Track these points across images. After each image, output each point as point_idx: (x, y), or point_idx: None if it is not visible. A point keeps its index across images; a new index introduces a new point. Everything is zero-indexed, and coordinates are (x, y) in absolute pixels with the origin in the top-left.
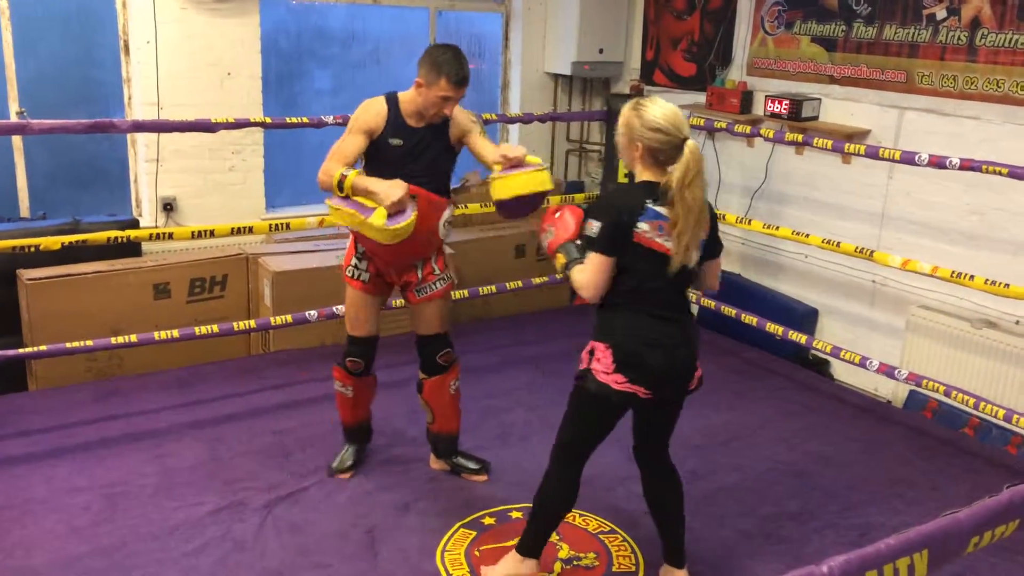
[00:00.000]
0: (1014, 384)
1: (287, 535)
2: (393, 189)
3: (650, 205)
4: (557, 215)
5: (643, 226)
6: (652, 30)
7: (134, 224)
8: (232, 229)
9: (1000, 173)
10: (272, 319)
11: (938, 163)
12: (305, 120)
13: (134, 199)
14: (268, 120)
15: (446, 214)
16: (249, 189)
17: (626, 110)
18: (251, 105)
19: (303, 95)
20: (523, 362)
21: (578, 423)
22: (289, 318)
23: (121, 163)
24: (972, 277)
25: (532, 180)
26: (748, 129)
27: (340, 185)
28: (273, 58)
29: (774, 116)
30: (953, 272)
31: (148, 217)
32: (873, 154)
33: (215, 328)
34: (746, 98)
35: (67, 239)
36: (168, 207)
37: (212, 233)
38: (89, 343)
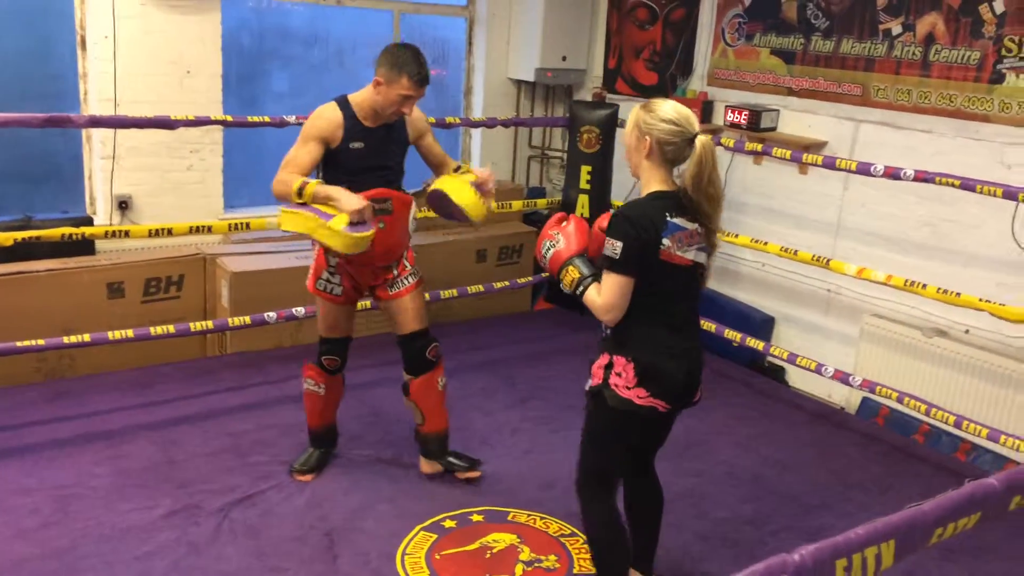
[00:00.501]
0: (963, 392)
1: (244, 538)
2: (355, 198)
3: (670, 218)
4: (564, 224)
5: (666, 242)
6: (615, 39)
7: (88, 222)
8: (191, 228)
9: (953, 185)
10: (231, 320)
11: (893, 174)
12: (267, 119)
13: (88, 197)
14: (229, 118)
15: (413, 210)
16: (207, 189)
17: (635, 110)
18: (211, 104)
19: (264, 95)
20: (482, 366)
21: (603, 444)
22: (248, 319)
23: (75, 160)
24: (925, 286)
25: (476, 206)
26: (709, 138)
27: (300, 192)
28: (234, 57)
29: (734, 126)
30: (907, 281)
31: (102, 215)
32: (830, 164)
33: (171, 328)
34: (707, 108)
35: (20, 235)
36: (123, 205)
37: (170, 232)
38: (41, 342)
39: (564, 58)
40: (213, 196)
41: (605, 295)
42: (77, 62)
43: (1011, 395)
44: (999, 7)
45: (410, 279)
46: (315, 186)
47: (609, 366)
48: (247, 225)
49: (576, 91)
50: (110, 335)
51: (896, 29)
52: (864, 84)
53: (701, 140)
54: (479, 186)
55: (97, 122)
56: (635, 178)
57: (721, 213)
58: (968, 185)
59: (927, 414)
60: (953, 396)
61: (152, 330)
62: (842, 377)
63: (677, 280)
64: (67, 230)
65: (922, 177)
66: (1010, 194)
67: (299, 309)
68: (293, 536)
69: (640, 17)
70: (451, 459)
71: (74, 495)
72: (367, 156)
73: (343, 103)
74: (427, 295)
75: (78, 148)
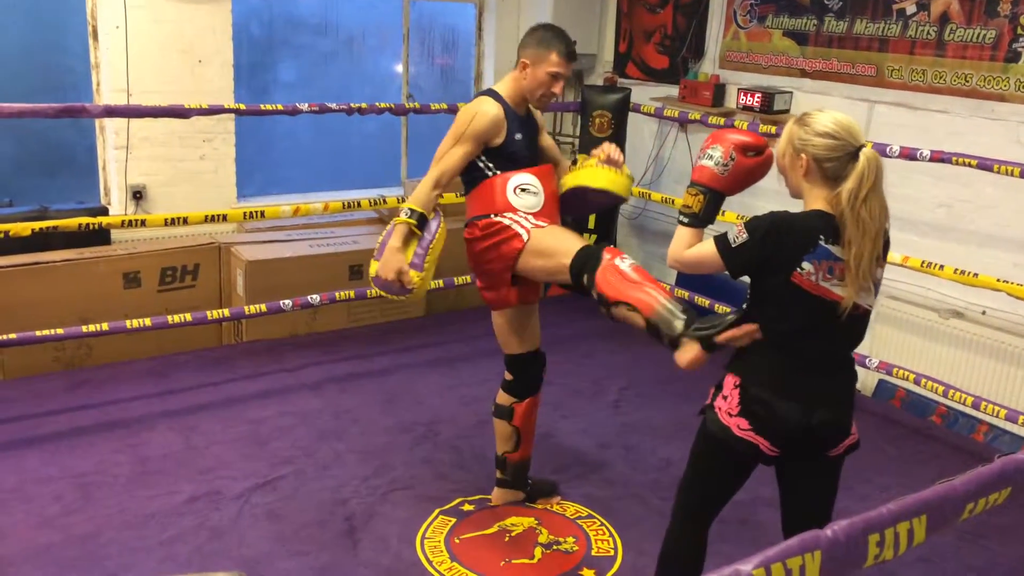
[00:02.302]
0: (980, 373)
1: (265, 523)
2: (387, 263)
3: (822, 243)
4: (746, 153)
5: (807, 266)
6: (625, 23)
7: (103, 212)
8: (206, 216)
9: (969, 165)
10: (246, 308)
11: (909, 155)
12: (280, 107)
13: (102, 187)
14: (242, 107)
15: None
16: (220, 178)
17: (789, 124)
18: (222, 93)
19: (274, 84)
20: (496, 352)
21: (698, 469)
22: (263, 307)
23: (89, 150)
24: (942, 267)
25: (618, 181)
26: (722, 121)
27: (421, 218)
28: (245, 46)
29: (746, 109)
30: (923, 262)
31: (117, 205)
32: None
33: (188, 317)
34: (719, 91)
35: (37, 225)
36: (137, 195)
37: (185, 220)
38: (60, 331)
39: (575, 43)
40: (226, 185)
41: (690, 252)
42: (89, 53)
43: None
44: None
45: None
46: (413, 219)
47: (720, 386)
48: (262, 214)
49: (587, 76)
50: (128, 324)
51: (910, 8)
52: (878, 65)
53: (866, 154)
54: (607, 162)
55: (112, 112)
56: (797, 198)
57: (874, 247)
58: (985, 165)
59: (944, 395)
60: (970, 377)
61: (169, 319)
62: (859, 359)
63: (818, 315)
64: (83, 220)
65: (939, 157)
66: None
67: (314, 297)
68: (314, 521)
69: (651, 1)
70: (531, 486)
71: (95, 483)
72: (527, 146)
73: (494, 95)
74: (441, 282)
75: (92, 139)
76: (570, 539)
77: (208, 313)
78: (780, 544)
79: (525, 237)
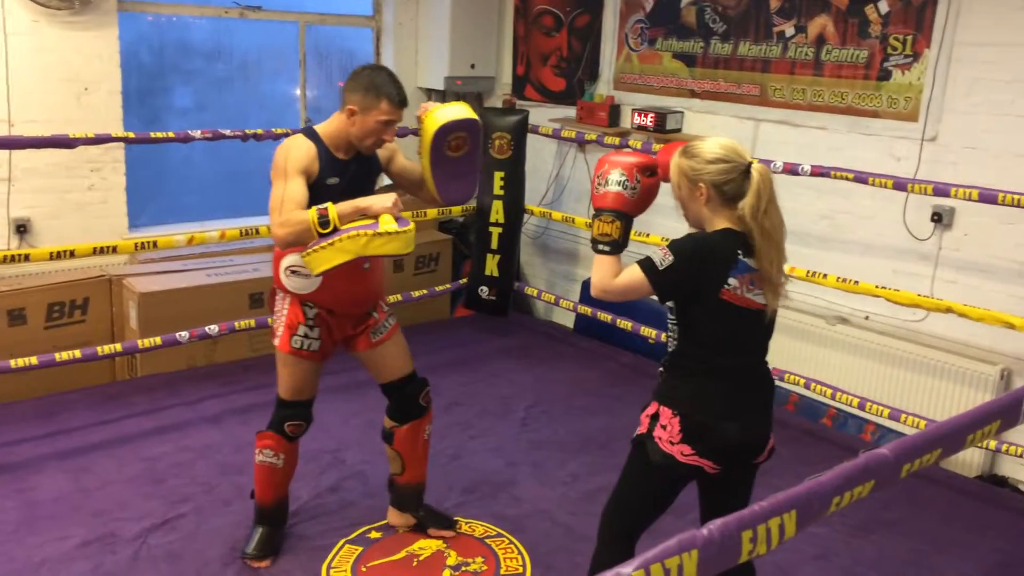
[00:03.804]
0: (866, 375)
1: (163, 564)
2: (383, 195)
3: (741, 257)
4: (643, 174)
5: (733, 282)
6: (522, 46)
7: None
8: (95, 248)
9: (847, 178)
10: (140, 342)
11: (791, 170)
12: (171, 135)
13: None
14: (131, 135)
15: None
16: (110, 208)
17: (674, 159)
18: (111, 121)
19: (166, 112)
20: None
21: (635, 496)
22: (158, 340)
23: None
24: (825, 276)
25: (461, 106)
26: (617, 141)
27: (324, 221)
28: (134, 73)
29: (641, 128)
30: (808, 271)
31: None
32: None
33: (77, 353)
34: (614, 111)
35: None
36: (22, 229)
37: (72, 253)
38: None
39: (473, 66)
40: (117, 216)
41: (618, 280)
42: None
43: (909, 376)
44: (884, 7)
45: (390, 320)
46: (336, 206)
47: (656, 416)
48: (154, 244)
49: (486, 98)
50: (12, 363)
51: (789, 31)
52: (762, 84)
53: (757, 168)
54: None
55: None
56: (697, 229)
57: (780, 254)
58: (861, 178)
59: (833, 398)
60: (857, 380)
61: (57, 356)
62: None
63: (746, 327)
64: None
65: (818, 172)
66: (900, 185)
67: (212, 327)
68: (215, 558)
69: (546, 24)
70: (425, 514)
71: None
72: (343, 193)
73: (311, 134)
74: None
75: None
76: (479, 559)
77: (99, 349)
78: (659, 546)
79: (276, 341)
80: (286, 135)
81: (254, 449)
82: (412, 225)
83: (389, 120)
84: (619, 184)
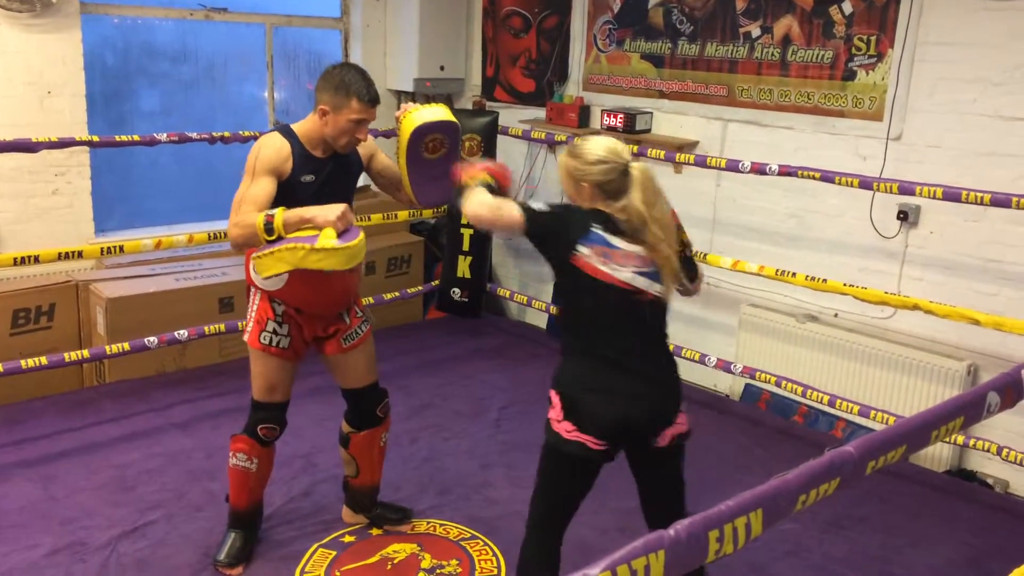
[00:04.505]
0: (836, 372)
1: (133, 572)
2: (330, 207)
3: (596, 229)
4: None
5: (584, 249)
6: (491, 48)
7: None
8: (60, 254)
9: (813, 177)
10: (108, 348)
11: (759, 170)
12: (136, 138)
13: None
14: (95, 139)
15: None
16: (76, 213)
17: (562, 159)
18: (75, 125)
19: (133, 114)
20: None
21: (544, 482)
22: (127, 346)
23: None
24: (794, 274)
25: (438, 108)
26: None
27: (268, 227)
28: (99, 76)
29: (610, 129)
30: (777, 270)
31: None
32: (701, 163)
33: (43, 360)
34: (583, 112)
35: None
36: None
37: (37, 259)
38: None
39: (442, 68)
40: (83, 220)
41: (492, 204)
42: None
43: (878, 373)
44: (848, 8)
45: (363, 327)
46: (283, 213)
47: (550, 400)
48: (120, 248)
49: (456, 100)
50: None
51: (755, 32)
52: (729, 85)
53: (636, 167)
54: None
55: None
56: None
57: (673, 239)
58: (827, 177)
59: (804, 396)
60: (827, 377)
61: (23, 363)
62: (724, 365)
63: (610, 302)
64: None
65: (785, 171)
66: (866, 184)
67: (182, 332)
68: (186, 565)
69: (514, 25)
70: (381, 511)
71: None
72: (319, 190)
73: (287, 132)
74: None
75: None
76: (453, 562)
77: (65, 355)
78: (626, 547)
79: (246, 336)
80: (254, 138)
81: (228, 452)
82: (360, 238)
83: (361, 119)
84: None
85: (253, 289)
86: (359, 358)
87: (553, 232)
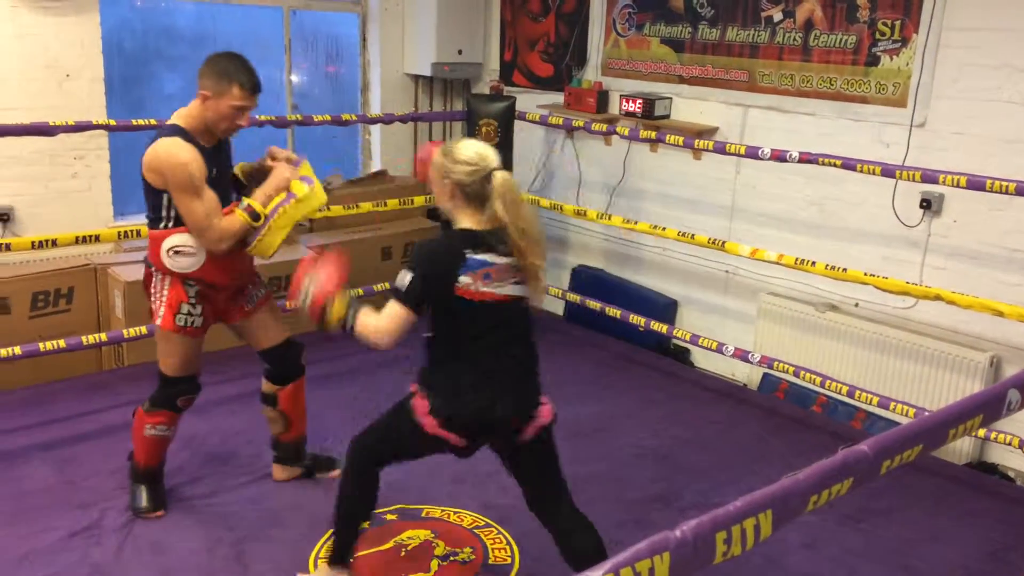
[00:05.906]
0: (856, 362)
1: (149, 555)
2: (278, 167)
3: (470, 255)
4: (315, 263)
5: (464, 279)
6: (509, 32)
7: None
8: (77, 238)
9: (835, 165)
10: (125, 331)
11: (779, 157)
12: (153, 122)
13: None
14: (112, 122)
15: None
16: (95, 196)
17: (436, 156)
18: (93, 108)
19: (151, 98)
20: (394, 362)
21: (390, 435)
22: (144, 329)
23: None
24: (814, 263)
25: (316, 194)
26: (604, 127)
27: (255, 216)
28: (117, 59)
29: (629, 115)
30: (797, 259)
31: None
32: (721, 150)
33: (62, 343)
34: (602, 98)
35: None
36: (4, 218)
37: (55, 243)
38: None
39: (460, 52)
40: (102, 204)
41: (383, 320)
42: None
43: (899, 363)
44: None
45: (261, 291)
46: (255, 200)
47: (418, 388)
48: (138, 232)
49: (474, 84)
50: None
51: (777, 16)
52: (750, 70)
53: (497, 175)
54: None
55: None
56: (450, 219)
57: (539, 247)
58: (849, 165)
59: (823, 386)
60: (847, 367)
61: (42, 346)
62: (742, 355)
63: (494, 318)
64: None
65: (806, 159)
66: (888, 172)
67: None
68: (201, 549)
69: (533, 9)
70: (310, 462)
71: None
72: (218, 180)
73: (179, 132)
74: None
75: None
76: (467, 549)
77: (84, 338)
78: (631, 548)
79: (158, 321)
80: (271, 123)
81: (141, 424)
82: (316, 181)
83: (242, 105)
84: (308, 292)
85: (160, 274)
86: (266, 317)
87: (432, 288)
